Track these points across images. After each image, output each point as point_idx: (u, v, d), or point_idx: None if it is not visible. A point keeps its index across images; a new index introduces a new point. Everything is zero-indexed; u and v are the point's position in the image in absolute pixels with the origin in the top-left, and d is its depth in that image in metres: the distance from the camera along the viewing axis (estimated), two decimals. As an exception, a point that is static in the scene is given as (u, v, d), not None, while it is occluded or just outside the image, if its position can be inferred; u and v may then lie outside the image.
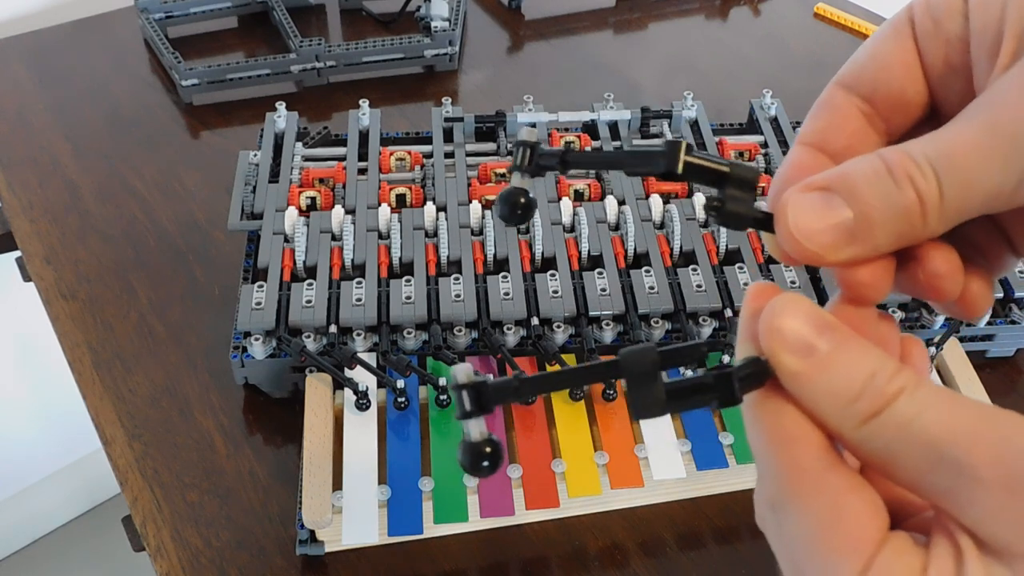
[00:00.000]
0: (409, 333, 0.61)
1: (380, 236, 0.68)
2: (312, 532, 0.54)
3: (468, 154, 0.76)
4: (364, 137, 0.77)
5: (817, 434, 0.24)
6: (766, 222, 0.26)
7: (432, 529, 0.55)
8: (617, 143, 0.77)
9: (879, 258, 0.25)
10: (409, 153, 0.75)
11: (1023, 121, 0.23)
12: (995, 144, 0.23)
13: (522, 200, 0.27)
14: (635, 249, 0.68)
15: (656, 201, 0.70)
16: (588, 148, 0.77)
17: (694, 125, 0.80)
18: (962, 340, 0.65)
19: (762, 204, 0.27)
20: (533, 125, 0.78)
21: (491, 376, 0.25)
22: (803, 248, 0.25)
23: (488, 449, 0.25)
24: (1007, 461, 0.21)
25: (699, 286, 0.64)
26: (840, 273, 0.26)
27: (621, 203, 0.70)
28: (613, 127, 0.79)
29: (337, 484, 0.55)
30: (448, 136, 0.77)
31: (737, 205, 0.26)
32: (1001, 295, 0.65)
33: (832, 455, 0.24)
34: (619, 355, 0.24)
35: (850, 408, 0.23)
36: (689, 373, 0.60)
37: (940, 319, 0.64)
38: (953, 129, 0.24)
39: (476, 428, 0.25)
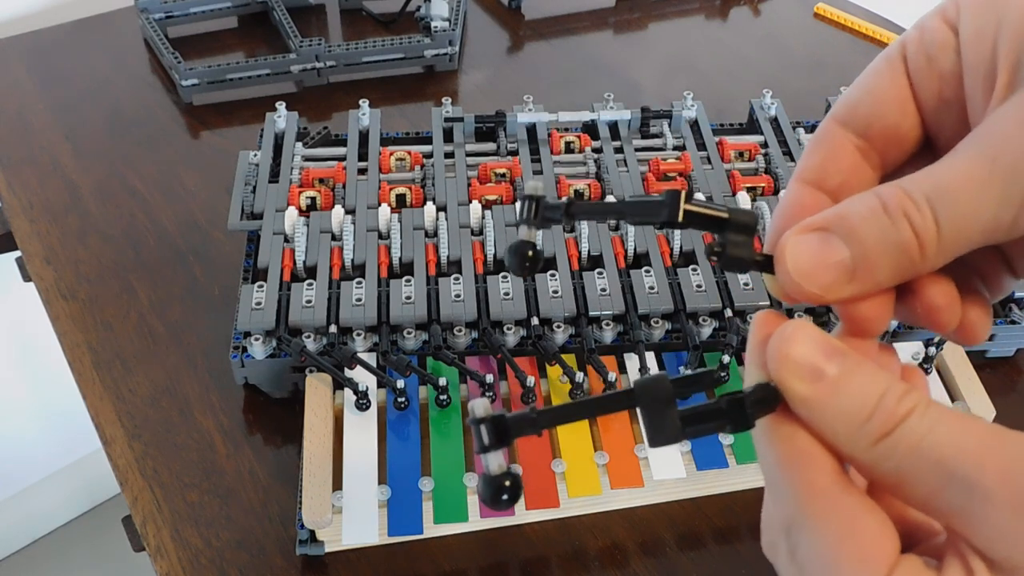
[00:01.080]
0: (409, 333, 0.61)
1: (380, 236, 0.68)
2: (312, 532, 0.54)
3: (468, 154, 0.76)
4: (364, 137, 0.77)
5: (829, 457, 0.24)
6: (766, 264, 0.26)
7: (432, 529, 0.55)
8: (617, 143, 0.77)
9: (879, 293, 0.26)
10: (409, 153, 0.75)
11: (1020, 153, 0.23)
12: (992, 177, 0.23)
13: (530, 253, 0.28)
14: (635, 249, 0.68)
15: (656, 201, 0.70)
16: (588, 148, 0.76)
17: (694, 125, 0.80)
18: (962, 340, 0.65)
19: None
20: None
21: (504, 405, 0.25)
22: (803, 289, 0.25)
23: (507, 483, 0.25)
24: (1016, 480, 0.21)
25: (699, 286, 0.64)
26: (841, 308, 0.26)
27: (621, 203, 0.70)
28: (613, 127, 0.79)
29: (337, 484, 0.55)
30: (448, 136, 0.77)
31: (738, 250, 0.26)
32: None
33: (844, 477, 0.24)
34: (634, 385, 0.25)
35: (861, 429, 0.23)
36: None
37: (940, 319, 0.64)
38: (948, 163, 0.24)
39: (495, 461, 0.25)
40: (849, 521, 0.23)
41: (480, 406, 0.25)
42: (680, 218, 0.26)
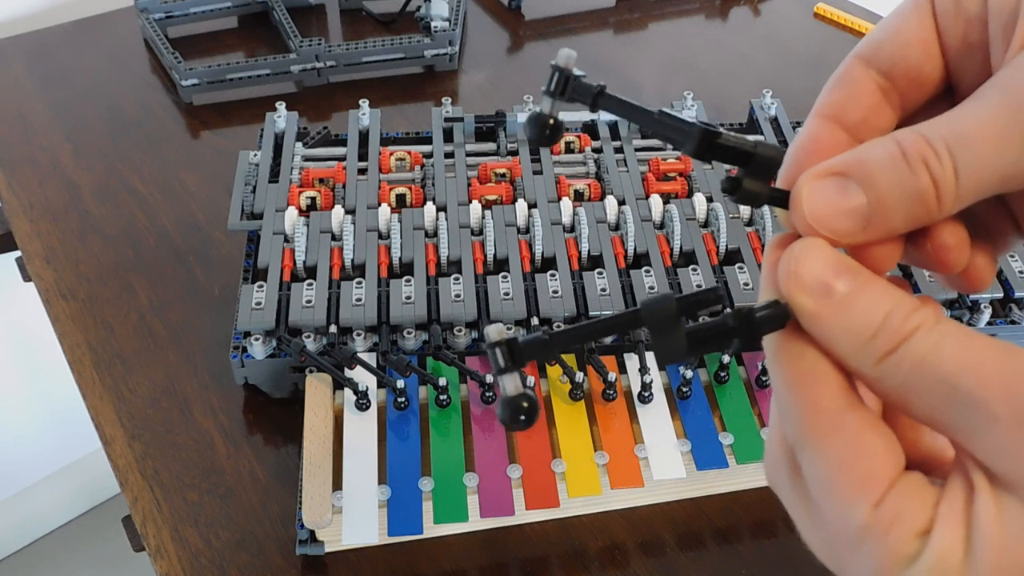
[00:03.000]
0: (409, 333, 0.61)
1: (380, 236, 0.68)
2: (312, 532, 0.54)
3: (468, 154, 0.76)
4: (364, 137, 0.77)
5: (836, 375, 0.24)
6: (781, 199, 0.27)
7: (432, 529, 0.55)
8: (617, 143, 0.77)
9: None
10: (409, 153, 0.75)
11: None
12: (1015, 126, 0.23)
13: (551, 121, 0.28)
14: (635, 249, 0.68)
15: (656, 201, 0.70)
16: (588, 148, 0.76)
17: (694, 125, 0.80)
18: (962, 340, 0.65)
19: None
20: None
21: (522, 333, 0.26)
22: (818, 234, 0.25)
23: (524, 403, 0.25)
24: (1019, 397, 0.21)
25: (699, 286, 0.64)
26: (852, 248, 0.26)
27: (621, 203, 0.70)
28: (613, 127, 0.79)
29: (337, 484, 0.55)
30: (448, 136, 0.77)
31: (754, 184, 0.26)
32: (1001, 295, 0.65)
33: (851, 396, 0.24)
34: (640, 305, 0.25)
35: (867, 346, 0.23)
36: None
37: (940, 319, 0.64)
38: (969, 110, 0.24)
39: (511, 383, 0.26)
40: (852, 439, 0.24)
41: (495, 331, 0.25)
42: (707, 150, 0.26)
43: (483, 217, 0.68)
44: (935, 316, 0.23)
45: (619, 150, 0.76)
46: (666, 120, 0.27)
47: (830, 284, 0.24)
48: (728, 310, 0.25)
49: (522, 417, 0.25)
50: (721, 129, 0.26)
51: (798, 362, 0.25)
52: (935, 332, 0.23)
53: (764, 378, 0.60)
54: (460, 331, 0.61)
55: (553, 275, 0.64)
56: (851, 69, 0.28)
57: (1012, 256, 0.67)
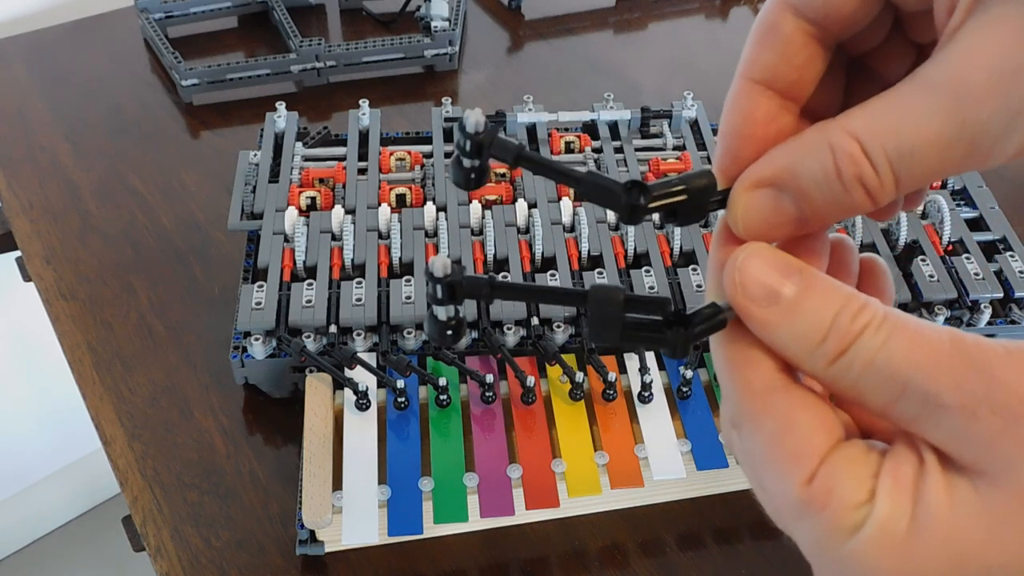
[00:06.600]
0: (409, 333, 0.61)
1: (380, 236, 0.68)
2: (312, 532, 0.54)
3: (468, 154, 0.76)
4: (364, 137, 0.77)
5: (768, 360, 0.25)
6: (720, 201, 0.27)
7: (432, 529, 0.55)
8: (617, 143, 0.77)
9: None
10: (409, 153, 0.75)
11: (991, 111, 0.22)
12: (959, 138, 0.23)
13: (449, 332, 0.27)
14: (635, 249, 0.68)
15: (656, 201, 0.70)
16: (588, 148, 0.76)
17: (694, 125, 0.80)
18: (962, 340, 0.65)
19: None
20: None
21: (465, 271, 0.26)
22: (756, 242, 0.26)
23: (453, 322, 0.26)
24: (968, 386, 0.22)
25: (699, 286, 0.64)
26: None
27: (621, 203, 0.70)
28: (613, 127, 0.79)
29: (337, 484, 0.55)
30: (448, 136, 0.77)
31: (695, 212, 0.26)
32: (1001, 295, 0.65)
33: (783, 377, 0.25)
34: (590, 288, 0.26)
35: (818, 349, 0.24)
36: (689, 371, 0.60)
37: (940, 319, 0.64)
38: (913, 116, 0.23)
39: (444, 312, 0.26)
40: (783, 419, 0.24)
41: (440, 264, 0.25)
42: (640, 216, 0.26)
43: (483, 217, 0.68)
44: (882, 312, 0.23)
45: (619, 150, 0.76)
46: (597, 180, 0.26)
47: (776, 290, 0.24)
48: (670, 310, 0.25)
49: (448, 332, 0.26)
50: (646, 183, 0.26)
51: (733, 346, 0.25)
52: (883, 330, 0.23)
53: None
54: (460, 331, 0.61)
55: (553, 275, 0.64)
56: (780, 22, 0.26)
57: (1012, 256, 0.67)
